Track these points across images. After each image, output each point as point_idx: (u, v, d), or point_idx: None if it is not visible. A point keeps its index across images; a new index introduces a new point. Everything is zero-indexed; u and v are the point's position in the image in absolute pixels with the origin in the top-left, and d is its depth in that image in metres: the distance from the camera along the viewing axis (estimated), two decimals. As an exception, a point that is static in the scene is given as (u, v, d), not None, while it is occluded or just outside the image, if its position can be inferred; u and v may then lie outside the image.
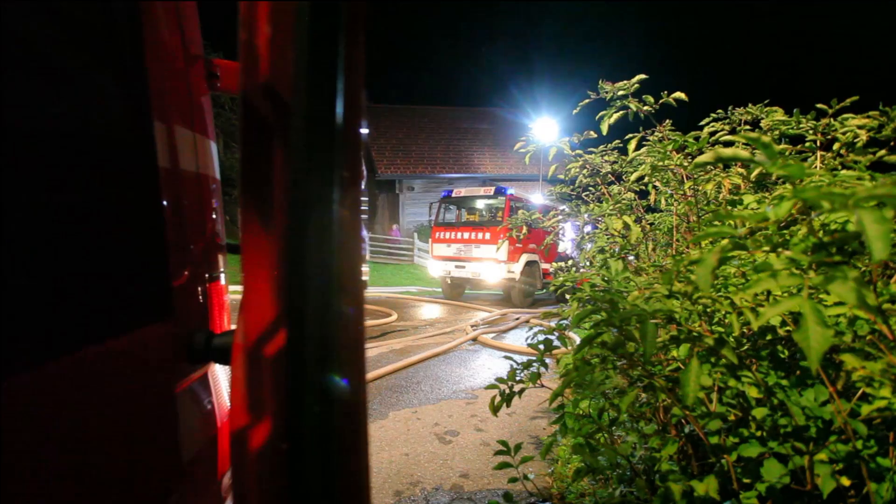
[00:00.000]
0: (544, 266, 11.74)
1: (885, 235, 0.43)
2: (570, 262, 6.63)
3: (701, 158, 0.72)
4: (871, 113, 1.85)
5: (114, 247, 0.68)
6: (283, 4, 0.42)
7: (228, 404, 1.06)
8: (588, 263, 3.15)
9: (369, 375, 4.75)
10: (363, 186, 0.64)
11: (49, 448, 0.55)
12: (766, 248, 0.76)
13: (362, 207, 0.46)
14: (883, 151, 1.86)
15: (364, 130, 0.45)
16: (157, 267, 0.76)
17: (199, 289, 0.94)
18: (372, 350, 5.98)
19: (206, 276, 0.97)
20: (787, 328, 1.49)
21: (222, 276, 1.07)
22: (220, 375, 1.06)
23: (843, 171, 1.71)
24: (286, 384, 0.38)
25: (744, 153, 0.65)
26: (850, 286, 0.50)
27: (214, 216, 1.04)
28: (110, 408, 0.65)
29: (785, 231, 1.35)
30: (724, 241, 0.67)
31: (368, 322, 7.68)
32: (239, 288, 0.52)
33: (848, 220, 1.11)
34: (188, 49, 0.96)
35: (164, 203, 0.81)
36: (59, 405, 0.57)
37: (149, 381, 0.74)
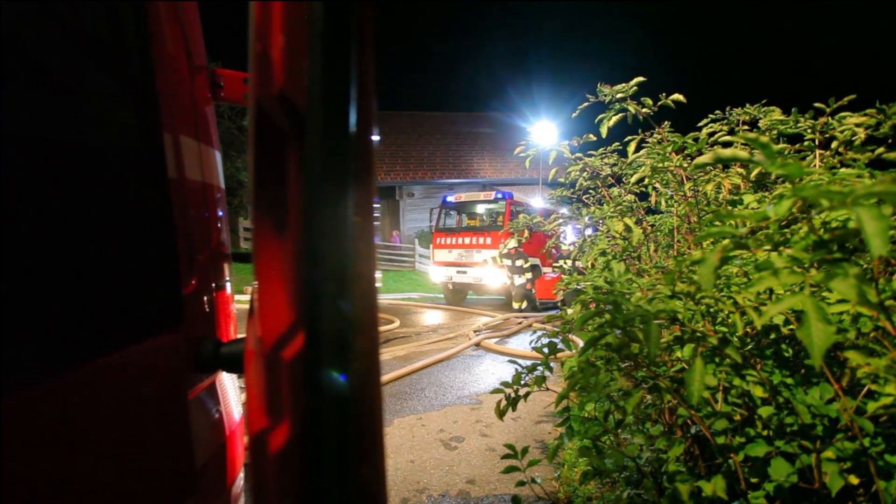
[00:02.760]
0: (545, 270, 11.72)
1: (883, 232, 0.43)
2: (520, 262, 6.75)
3: (700, 159, 0.73)
4: (868, 111, 1.86)
5: (126, 256, 0.69)
6: (296, 15, 0.43)
7: (237, 412, 1.07)
8: (590, 266, 3.15)
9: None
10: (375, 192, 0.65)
11: (64, 456, 0.56)
12: (768, 247, 0.77)
13: (375, 213, 0.47)
14: (881, 149, 1.87)
15: (375, 137, 0.46)
16: (167, 277, 0.77)
17: (207, 298, 0.95)
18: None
19: (213, 285, 0.98)
20: (791, 327, 1.49)
21: (228, 285, 1.08)
22: (228, 384, 1.06)
23: (843, 169, 1.72)
24: (305, 387, 0.38)
25: (742, 153, 0.66)
26: (851, 283, 0.51)
27: (220, 225, 1.05)
28: (124, 417, 0.65)
29: (786, 230, 1.36)
30: (726, 241, 0.68)
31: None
32: (243, 297, 0.53)
33: (849, 218, 1.11)
34: (192, 60, 0.98)
35: (173, 213, 0.82)
36: (73, 414, 0.57)
37: (160, 391, 0.75)
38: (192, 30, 0.98)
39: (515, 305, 10.45)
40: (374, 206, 0.48)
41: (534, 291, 10.91)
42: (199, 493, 0.83)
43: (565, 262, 8.42)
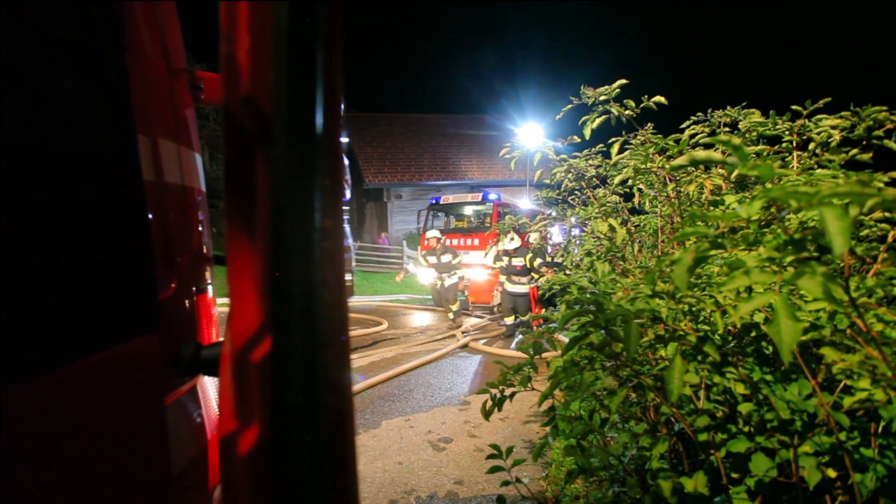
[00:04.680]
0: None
1: (844, 231, 0.45)
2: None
3: (676, 161, 0.74)
4: (843, 113, 1.90)
5: (98, 260, 0.68)
6: (262, 17, 0.43)
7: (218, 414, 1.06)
8: (575, 266, 3.18)
9: (362, 385, 4.73)
10: (346, 194, 0.65)
11: (35, 463, 0.55)
12: (743, 247, 0.79)
13: (345, 214, 0.47)
14: (855, 150, 1.91)
15: (344, 140, 0.46)
16: (143, 279, 0.76)
17: (187, 301, 0.94)
18: (363, 359, 5.95)
19: (194, 288, 0.97)
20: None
21: (210, 288, 1.07)
22: (210, 387, 1.05)
23: (819, 171, 1.75)
24: (272, 389, 0.38)
25: (717, 155, 0.68)
26: (818, 280, 0.53)
27: (200, 228, 1.04)
28: (97, 421, 0.65)
29: (765, 229, 1.38)
30: (701, 241, 0.69)
31: (359, 331, 7.63)
32: (227, 300, 0.53)
33: (824, 218, 1.13)
34: (171, 61, 0.97)
35: (150, 216, 0.81)
36: (44, 419, 0.56)
37: (136, 394, 0.74)
38: (171, 31, 0.97)
39: (453, 308, 8.65)
40: (345, 207, 0.48)
41: (467, 293, 9.86)
42: (178, 498, 0.82)
43: (502, 261, 7.78)
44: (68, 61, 0.66)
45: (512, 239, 7.79)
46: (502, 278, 7.96)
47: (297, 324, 0.38)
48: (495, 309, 9.85)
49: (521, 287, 7.71)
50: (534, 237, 7.89)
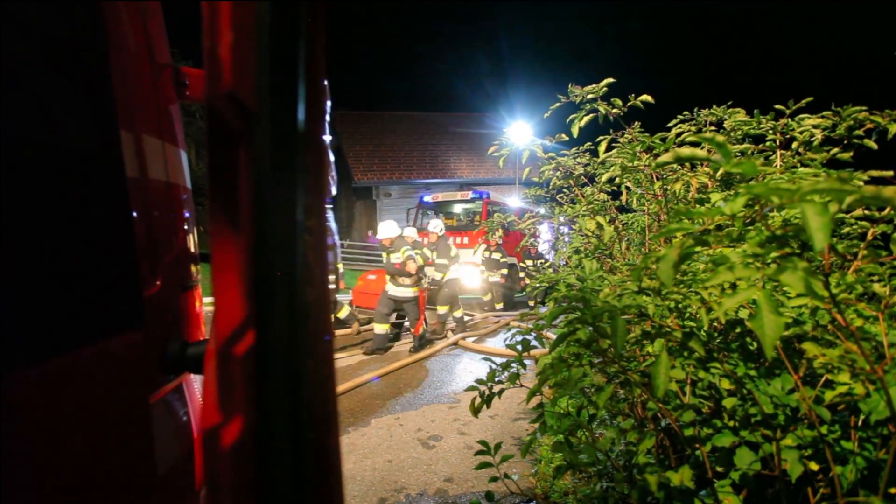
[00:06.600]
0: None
1: (825, 226, 0.46)
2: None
3: (661, 158, 0.75)
4: (825, 113, 1.94)
5: (81, 256, 0.67)
6: (244, 12, 0.43)
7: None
8: (564, 264, 3.20)
9: (351, 383, 4.72)
10: (332, 190, 0.65)
11: (15, 462, 0.54)
12: (727, 243, 0.80)
13: (328, 208, 0.46)
14: (836, 149, 1.95)
15: (327, 138, 0.46)
16: (126, 276, 0.75)
17: (172, 298, 0.93)
18: (353, 357, 5.93)
19: (179, 285, 0.96)
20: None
21: (196, 285, 1.06)
22: (197, 386, 1.04)
23: (801, 169, 1.79)
24: (256, 384, 0.38)
25: (701, 152, 0.68)
26: (799, 275, 0.54)
27: (186, 226, 1.03)
28: (80, 419, 0.64)
29: (749, 227, 1.40)
30: (685, 238, 0.70)
31: (348, 329, 7.60)
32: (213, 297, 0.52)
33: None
34: (155, 57, 0.95)
35: (134, 213, 0.80)
36: (25, 417, 0.56)
37: (120, 392, 0.73)
38: (155, 27, 0.96)
39: (339, 316, 6.95)
40: (329, 200, 0.48)
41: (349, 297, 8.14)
42: (164, 498, 0.81)
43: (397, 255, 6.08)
44: (50, 56, 0.65)
45: (445, 227, 6.27)
46: (387, 278, 6.34)
47: (280, 319, 0.38)
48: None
49: (404, 291, 6.10)
50: (435, 224, 6.84)
